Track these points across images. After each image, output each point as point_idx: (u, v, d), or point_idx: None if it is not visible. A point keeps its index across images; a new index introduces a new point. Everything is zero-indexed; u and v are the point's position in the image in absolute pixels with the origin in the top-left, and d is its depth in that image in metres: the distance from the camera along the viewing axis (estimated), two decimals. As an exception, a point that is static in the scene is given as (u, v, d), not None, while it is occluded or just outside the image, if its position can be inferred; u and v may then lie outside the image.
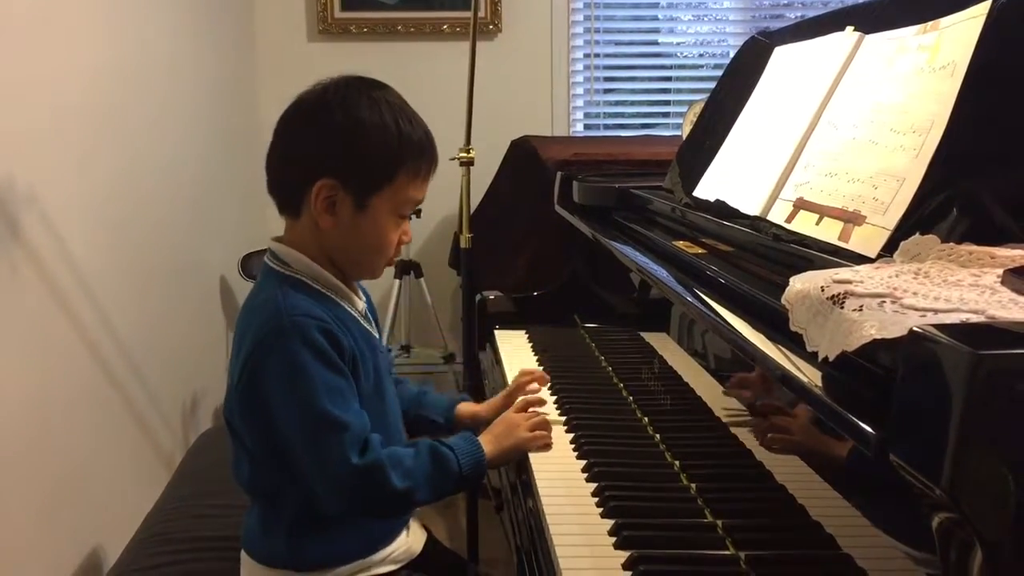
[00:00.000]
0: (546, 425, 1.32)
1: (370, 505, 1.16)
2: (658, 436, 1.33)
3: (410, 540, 1.29)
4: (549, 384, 1.56)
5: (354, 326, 1.18)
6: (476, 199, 2.57)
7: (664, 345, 1.43)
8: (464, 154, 2.05)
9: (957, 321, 0.62)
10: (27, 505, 1.48)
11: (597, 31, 3.40)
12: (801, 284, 0.79)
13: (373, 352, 1.21)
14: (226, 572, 1.31)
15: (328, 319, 1.13)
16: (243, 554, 1.25)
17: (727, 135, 1.46)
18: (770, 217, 1.16)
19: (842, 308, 0.71)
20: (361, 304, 1.24)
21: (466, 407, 1.46)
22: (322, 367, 1.10)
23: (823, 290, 0.75)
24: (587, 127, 3.49)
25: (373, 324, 1.27)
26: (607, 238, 1.61)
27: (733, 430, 1.12)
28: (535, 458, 1.29)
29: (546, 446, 1.30)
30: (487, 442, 1.25)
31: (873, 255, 0.90)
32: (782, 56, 1.44)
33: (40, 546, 1.52)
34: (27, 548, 1.48)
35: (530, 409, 1.36)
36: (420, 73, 3.01)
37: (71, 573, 1.61)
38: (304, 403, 1.09)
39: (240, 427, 1.18)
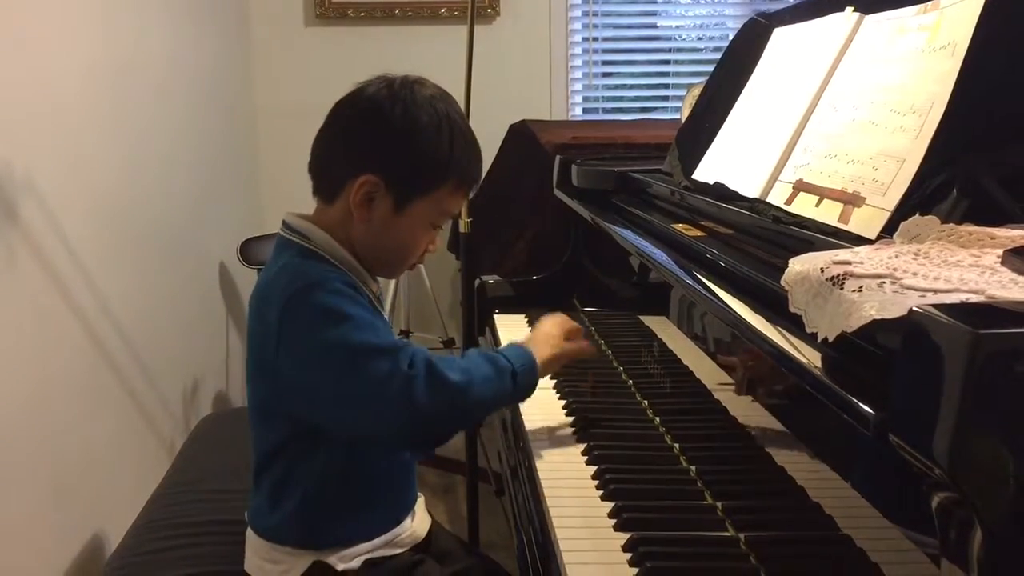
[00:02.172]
0: (580, 332, 1.33)
1: (432, 409, 1.10)
2: (658, 419, 1.33)
3: (415, 524, 1.29)
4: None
5: (368, 304, 1.18)
6: (475, 184, 2.56)
7: (664, 328, 1.43)
8: (463, 138, 2.05)
9: (957, 301, 0.62)
10: (29, 491, 1.49)
11: (595, 14, 3.39)
12: (800, 266, 0.79)
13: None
14: (227, 555, 1.32)
15: (350, 278, 1.15)
16: (248, 531, 1.26)
17: (726, 117, 1.46)
18: (769, 199, 1.15)
19: (842, 289, 0.70)
20: (376, 287, 1.25)
21: None
22: (355, 307, 1.11)
23: (822, 271, 0.74)
24: (586, 111, 3.48)
25: (383, 310, 1.27)
26: (606, 222, 1.60)
27: (732, 413, 1.12)
28: (535, 442, 1.29)
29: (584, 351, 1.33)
30: (534, 345, 1.25)
31: (873, 236, 0.89)
32: (781, 37, 1.43)
33: (42, 531, 1.53)
34: (30, 533, 1.49)
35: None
36: (418, 57, 2.99)
37: (73, 558, 1.62)
38: (345, 341, 1.09)
39: (274, 395, 1.18)
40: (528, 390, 1.22)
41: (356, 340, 1.09)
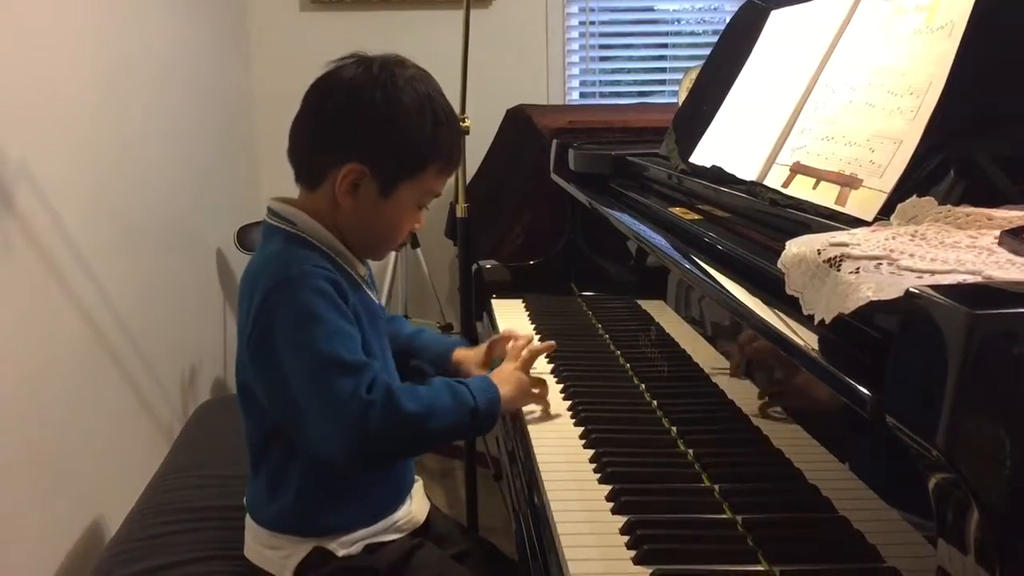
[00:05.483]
0: (541, 384, 1.33)
1: (385, 438, 1.10)
2: (655, 403, 1.34)
3: (414, 510, 1.29)
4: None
5: (355, 290, 1.18)
6: (472, 168, 2.56)
7: (661, 312, 1.43)
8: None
9: (954, 282, 0.62)
10: (28, 478, 1.49)
11: (592, -3, 3.37)
12: (797, 248, 0.79)
13: (372, 318, 1.21)
14: (226, 541, 1.32)
15: (334, 272, 1.14)
16: (248, 519, 1.26)
17: (723, 100, 1.45)
18: (767, 182, 1.15)
19: (839, 271, 0.70)
20: (363, 269, 1.25)
21: (462, 353, 1.45)
22: (332, 312, 1.10)
23: (819, 253, 0.74)
24: (583, 95, 3.47)
25: (374, 290, 1.27)
26: (603, 206, 1.60)
27: (729, 396, 1.12)
28: (533, 426, 1.29)
29: (543, 399, 1.33)
30: (499, 382, 1.25)
31: (870, 218, 0.89)
32: (778, 19, 1.43)
33: (42, 517, 1.53)
34: (29, 520, 1.49)
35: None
36: (413, 42, 2.96)
37: (73, 544, 1.62)
38: (314, 347, 1.08)
39: (254, 385, 1.17)
40: (487, 425, 1.22)
41: (324, 349, 1.08)
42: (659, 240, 1.28)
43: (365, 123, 1.15)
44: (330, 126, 1.17)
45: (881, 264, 0.68)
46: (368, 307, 1.21)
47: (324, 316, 1.09)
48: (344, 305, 1.13)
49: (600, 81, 3.49)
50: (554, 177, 2.03)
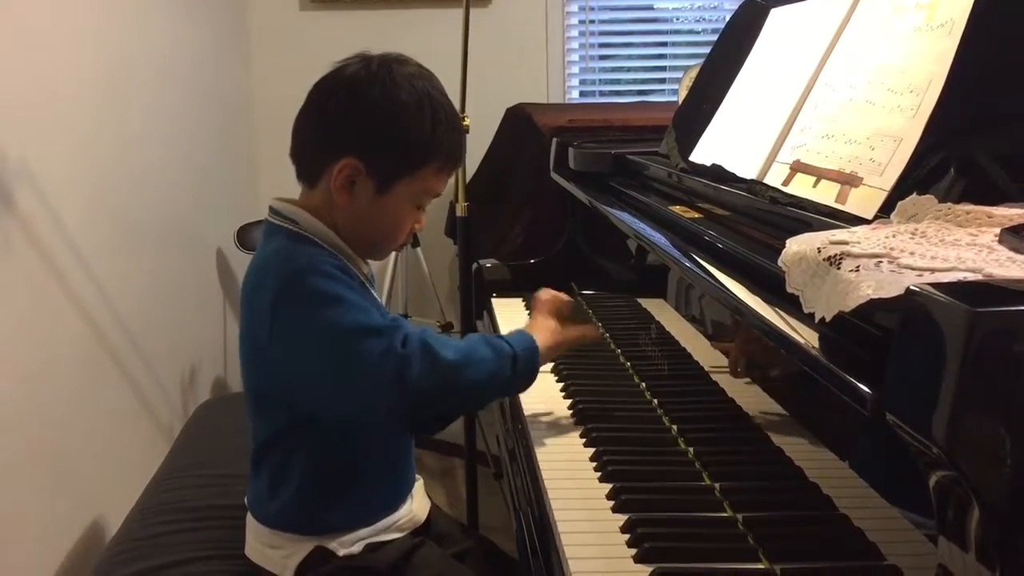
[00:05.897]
0: (572, 305, 1.36)
1: (427, 390, 1.10)
2: (656, 401, 1.34)
3: (415, 508, 1.29)
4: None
5: (360, 286, 1.18)
6: (472, 167, 2.56)
7: (661, 311, 1.43)
8: (459, 122, 2.04)
9: (954, 280, 0.62)
10: (29, 477, 1.49)
11: (592, -4, 3.37)
12: (798, 246, 0.79)
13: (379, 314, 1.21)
14: (227, 540, 1.32)
15: (340, 262, 1.15)
16: (249, 517, 1.26)
17: (723, 99, 1.45)
18: (767, 180, 1.15)
19: (839, 269, 0.70)
20: (367, 269, 1.24)
21: None
22: (347, 290, 1.11)
23: (820, 251, 0.74)
24: (583, 94, 3.46)
25: (376, 290, 1.27)
26: (604, 204, 1.60)
27: (730, 394, 1.12)
28: (533, 424, 1.29)
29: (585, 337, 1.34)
30: (536, 331, 1.25)
31: (870, 216, 0.89)
32: (778, 17, 1.43)
33: (42, 517, 1.53)
34: (30, 519, 1.49)
35: None
36: (413, 41, 2.96)
37: (74, 543, 1.62)
38: (338, 323, 1.08)
39: (268, 382, 1.18)
40: (528, 376, 1.22)
41: (349, 322, 1.09)
42: (659, 238, 1.28)
43: (360, 118, 1.15)
44: (330, 124, 1.17)
45: (881, 262, 0.68)
46: (374, 304, 1.21)
47: (341, 294, 1.10)
48: (355, 284, 1.13)
49: (600, 80, 3.49)
50: (554, 176, 2.03)
